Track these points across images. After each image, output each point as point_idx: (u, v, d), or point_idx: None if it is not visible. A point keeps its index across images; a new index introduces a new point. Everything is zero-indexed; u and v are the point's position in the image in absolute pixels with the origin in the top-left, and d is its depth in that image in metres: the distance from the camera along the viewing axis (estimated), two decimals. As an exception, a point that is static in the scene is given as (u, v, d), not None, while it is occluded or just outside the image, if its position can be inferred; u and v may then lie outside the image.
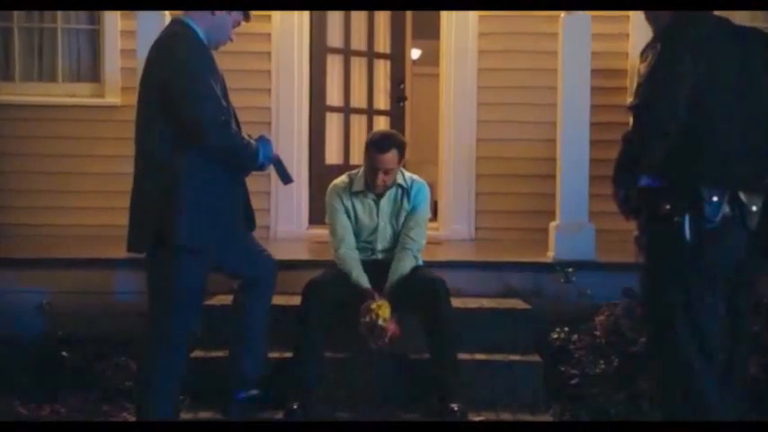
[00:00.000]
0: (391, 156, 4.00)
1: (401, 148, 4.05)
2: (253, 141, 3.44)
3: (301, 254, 5.38)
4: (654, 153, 2.77)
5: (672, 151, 2.76)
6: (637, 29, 6.04)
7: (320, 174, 6.31)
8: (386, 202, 4.15)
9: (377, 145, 4.02)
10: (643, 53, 2.87)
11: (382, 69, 6.99)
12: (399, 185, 4.15)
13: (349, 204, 4.12)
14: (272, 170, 3.66)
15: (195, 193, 3.28)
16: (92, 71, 6.33)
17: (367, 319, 3.84)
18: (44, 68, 6.36)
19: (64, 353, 4.34)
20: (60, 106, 6.18)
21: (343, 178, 4.21)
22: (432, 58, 7.44)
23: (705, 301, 2.79)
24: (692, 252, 2.75)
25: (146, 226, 3.31)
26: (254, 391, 3.77)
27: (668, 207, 2.76)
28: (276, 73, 6.22)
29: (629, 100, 5.83)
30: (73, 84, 6.31)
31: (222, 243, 3.40)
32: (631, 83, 5.93)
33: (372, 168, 4.04)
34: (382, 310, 3.84)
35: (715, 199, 2.73)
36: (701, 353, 2.80)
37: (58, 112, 6.17)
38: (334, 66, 6.67)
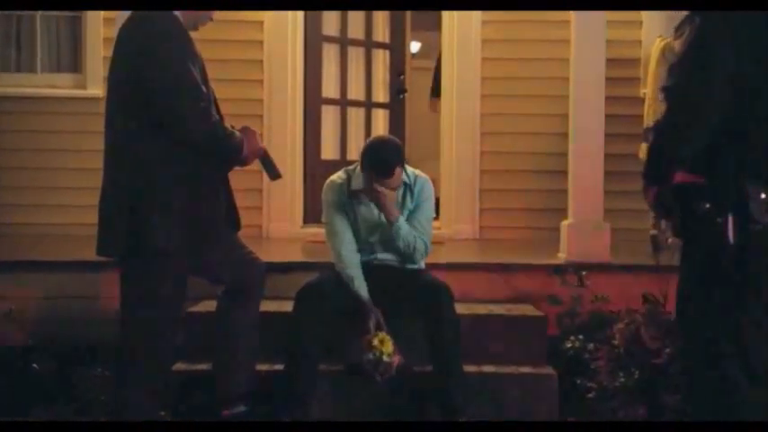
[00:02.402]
0: (398, 174, 3.72)
1: (401, 157, 3.75)
2: (236, 132, 3.16)
3: (295, 255, 5.13)
4: (691, 143, 2.44)
5: (712, 142, 2.43)
6: (650, 15, 5.81)
7: (315, 170, 6.09)
8: None
9: (380, 170, 3.69)
10: (678, 29, 2.54)
11: (381, 60, 6.73)
12: (402, 182, 3.86)
13: (348, 203, 3.86)
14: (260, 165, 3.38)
15: (171, 189, 3.02)
16: (73, 61, 6.10)
17: (370, 356, 3.59)
18: (22, 58, 6.12)
19: (34, 364, 4.09)
20: (39, 98, 5.95)
21: (340, 174, 3.93)
22: (432, 51, 7.16)
23: (749, 310, 2.48)
24: (735, 256, 2.43)
25: (117, 227, 3.05)
26: (241, 408, 3.48)
27: (708, 206, 2.44)
28: (268, 63, 5.99)
29: (643, 91, 5.73)
30: (53, 74, 6.09)
31: (202, 246, 3.15)
32: (644, 72, 5.69)
33: (377, 185, 3.72)
34: (385, 345, 3.60)
35: (763, 196, 2.41)
36: (743, 366, 2.51)
37: (37, 104, 5.94)
38: (330, 55, 6.41)
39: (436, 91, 6.81)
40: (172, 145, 3.00)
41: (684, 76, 2.44)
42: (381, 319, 3.70)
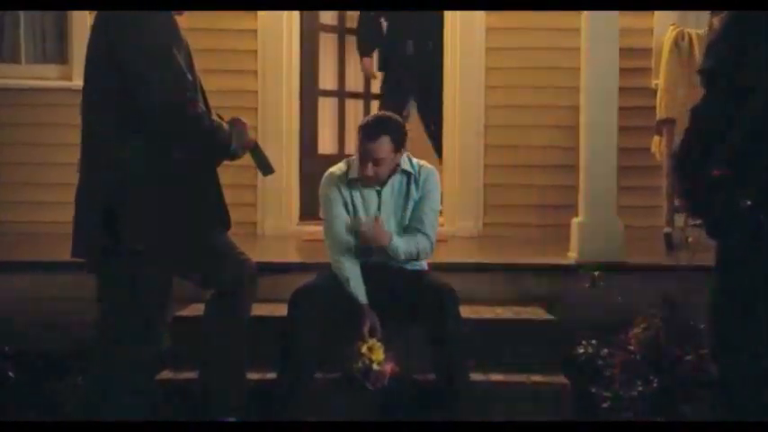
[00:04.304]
0: (381, 144, 3.52)
1: (396, 134, 3.56)
2: (224, 124, 2.96)
3: (290, 254, 4.95)
4: (733, 132, 2.18)
5: (755, 131, 2.18)
6: (662, 3, 5.55)
7: (312, 164, 5.89)
8: (389, 192, 3.66)
9: (365, 130, 3.56)
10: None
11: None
12: (405, 172, 3.67)
13: (347, 195, 3.66)
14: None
15: (152, 185, 2.83)
16: (58, 51, 5.89)
17: (359, 364, 3.41)
18: (5, 48, 5.90)
19: (10, 372, 3.88)
20: (24, 90, 5.73)
21: (339, 165, 3.75)
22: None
23: None
24: None
25: (93, 227, 2.85)
26: (231, 420, 3.24)
27: (749, 203, 2.20)
28: (263, 53, 5.77)
29: (654, 82, 5.50)
30: (38, 65, 5.87)
31: (187, 246, 2.95)
32: (656, 62, 5.49)
33: (361, 157, 3.58)
34: (375, 353, 3.41)
35: None
36: None
37: (20, 96, 5.72)
38: (327, 45, 6.27)
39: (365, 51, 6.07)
40: (153, 137, 2.81)
41: (725, 55, 2.19)
42: (377, 323, 3.51)
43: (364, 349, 3.40)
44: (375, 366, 3.38)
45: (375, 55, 6.09)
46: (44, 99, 5.70)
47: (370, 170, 3.54)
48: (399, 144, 3.57)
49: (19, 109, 5.69)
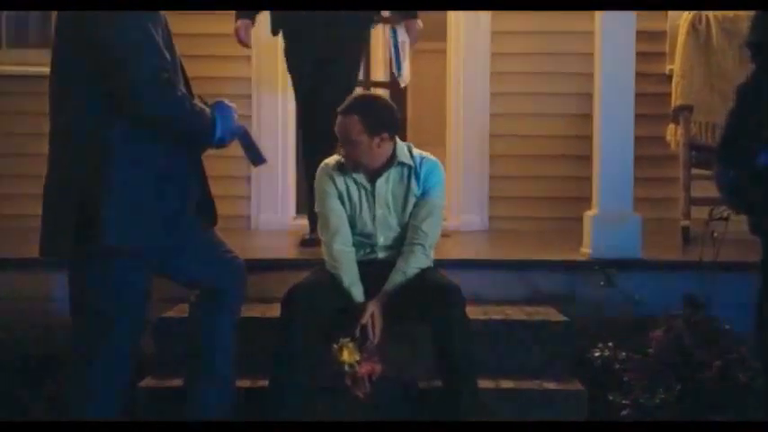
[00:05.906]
0: (349, 124, 3.30)
1: (368, 116, 3.31)
2: (206, 109, 2.75)
3: (285, 250, 4.72)
4: None
5: None
6: (676, -16, 5.34)
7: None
8: (383, 184, 3.44)
9: (341, 107, 3.39)
10: None
11: (380, 35, 6.18)
12: (403, 164, 3.44)
13: (343, 187, 3.46)
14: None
15: (128, 177, 2.64)
16: (42, 35, 5.71)
17: (335, 367, 3.19)
18: (-15, 32, 5.76)
19: None
20: (5, 76, 5.57)
21: (335, 156, 3.55)
22: (433, 33, 6.67)
23: None
24: None
25: (65, 223, 2.67)
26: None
27: None
28: (257, 39, 5.40)
29: (669, 67, 5.27)
30: (20, 50, 5.74)
31: (168, 244, 2.76)
32: (671, 47, 5.27)
33: (339, 137, 3.42)
34: (346, 353, 3.18)
35: None
36: None
37: (2, 83, 5.55)
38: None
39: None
40: (129, 124, 2.62)
41: None
42: (377, 324, 3.29)
43: (334, 351, 3.19)
44: (347, 369, 3.16)
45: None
46: (27, 86, 5.44)
47: (344, 152, 3.37)
48: (372, 129, 3.31)
49: (1, 96, 5.52)
